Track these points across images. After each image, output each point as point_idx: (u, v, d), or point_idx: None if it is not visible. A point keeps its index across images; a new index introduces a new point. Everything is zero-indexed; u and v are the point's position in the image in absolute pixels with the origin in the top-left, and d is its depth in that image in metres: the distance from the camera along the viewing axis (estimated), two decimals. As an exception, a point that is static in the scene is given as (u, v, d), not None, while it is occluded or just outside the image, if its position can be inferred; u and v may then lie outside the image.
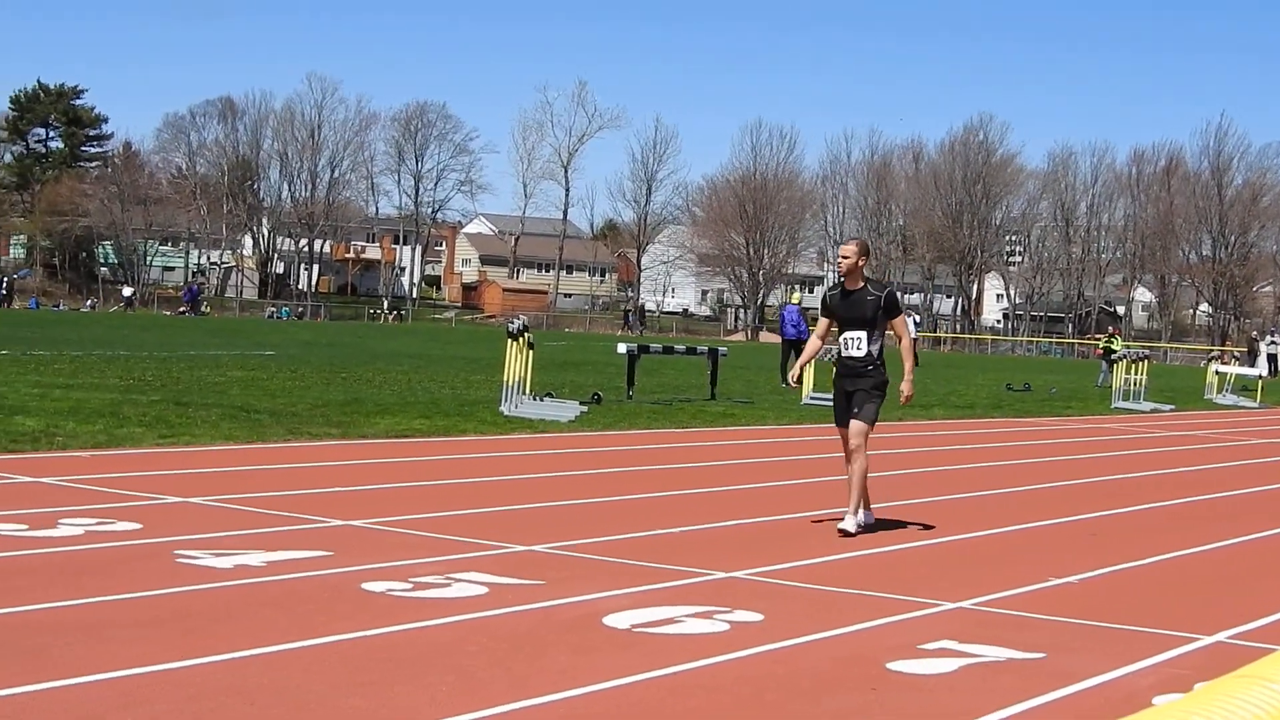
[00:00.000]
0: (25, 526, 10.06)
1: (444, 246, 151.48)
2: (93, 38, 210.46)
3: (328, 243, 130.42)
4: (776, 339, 41.30)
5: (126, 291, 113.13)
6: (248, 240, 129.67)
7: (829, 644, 7.88)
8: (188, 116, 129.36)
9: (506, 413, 21.47)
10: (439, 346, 55.27)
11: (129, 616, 7.58)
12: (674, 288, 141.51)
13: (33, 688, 6.11)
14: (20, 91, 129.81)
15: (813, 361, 11.76)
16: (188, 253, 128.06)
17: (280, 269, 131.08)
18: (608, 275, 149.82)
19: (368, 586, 8.67)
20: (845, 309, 12.12)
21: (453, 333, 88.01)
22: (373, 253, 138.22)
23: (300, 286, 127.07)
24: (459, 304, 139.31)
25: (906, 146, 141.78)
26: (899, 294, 12.36)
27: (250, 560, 9.27)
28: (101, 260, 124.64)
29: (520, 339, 21.79)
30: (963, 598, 9.31)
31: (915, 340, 13.01)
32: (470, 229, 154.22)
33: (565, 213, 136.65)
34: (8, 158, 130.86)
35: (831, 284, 12.63)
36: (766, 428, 23.13)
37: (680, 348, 34.16)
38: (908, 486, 15.42)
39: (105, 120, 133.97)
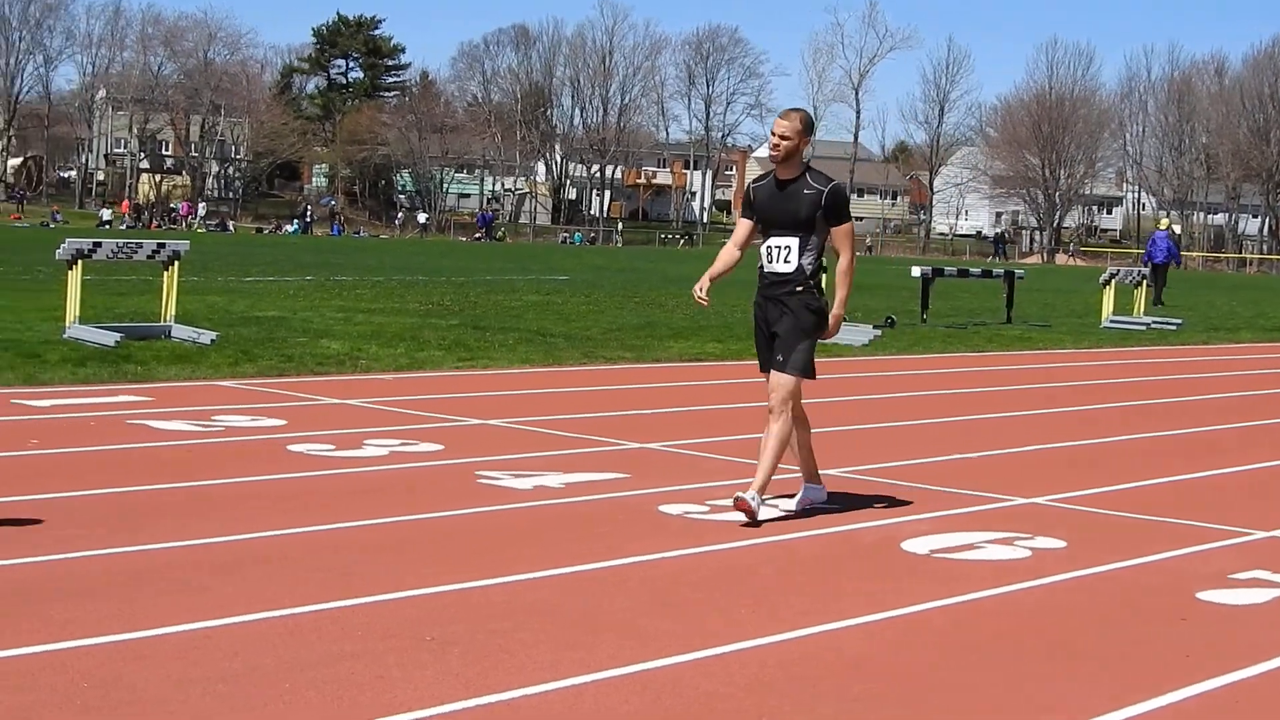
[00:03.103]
0: (333, 447, 10.33)
1: (734, 171, 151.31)
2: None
3: (619, 168, 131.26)
4: (1072, 261, 40.28)
5: (422, 218, 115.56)
6: (540, 167, 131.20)
7: (1135, 572, 7.66)
8: (482, 45, 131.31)
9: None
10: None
11: (432, 535, 7.72)
12: (967, 210, 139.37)
13: (341, 604, 6.26)
14: (322, 25, 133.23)
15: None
16: (482, 180, 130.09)
17: (572, 195, 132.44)
18: (899, 198, 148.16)
19: (664, 509, 8.70)
20: (773, 206, 8.85)
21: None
22: (663, 178, 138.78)
23: (592, 212, 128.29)
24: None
25: (1208, 61, 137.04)
26: (847, 194, 9.04)
27: (549, 482, 9.37)
28: (399, 188, 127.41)
29: (813, 262, 21.59)
30: (1277, 526, 8.97)
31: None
32: (760, 153, 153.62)
33: (856, 135, 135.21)
34: (310, 89, 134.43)
35: (759, 175, 9.35)
36: (1064, 351, 22.65)
37: (975, 271, 33.59)
38: (1227, 411, 14.94)
39: (403, 50, 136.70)
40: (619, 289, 35.06)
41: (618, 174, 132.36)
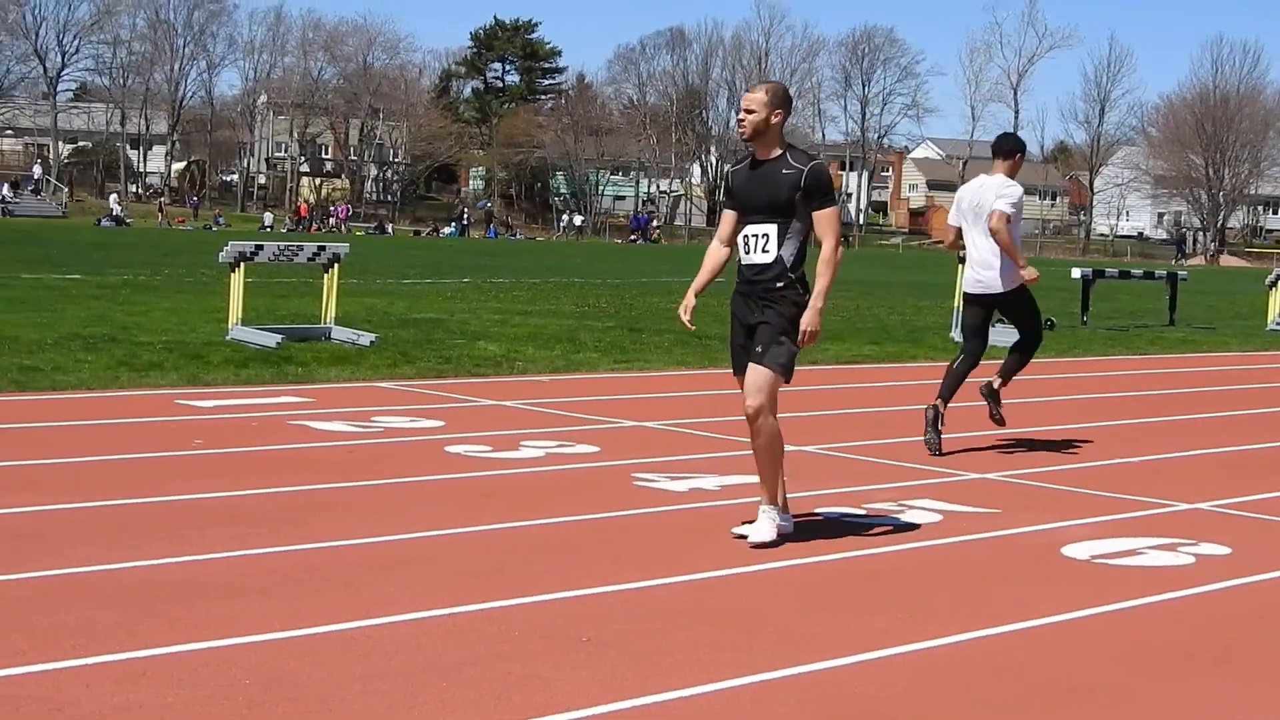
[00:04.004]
0: (490, 448, 10.40)
1: (890, 172, 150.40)
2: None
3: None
4: (1239, 262, 39.45)
5: (577, 220, 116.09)
6: (696, 169, 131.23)
7: (1303, 580, 7.49)
8: (639, 47, 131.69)
9: (957, 339, 21.14)
10: (886, 272, 55.02)
11: (588, 537, 7.75)
12: (1128, 211, 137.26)
13: (499, 604, 6.30)
14: (479, 28, 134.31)
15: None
16: (637, 182, 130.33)
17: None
18: (1058, 199, 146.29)
19: (821, 511, 8.66)
20: (749, 189, 7.89)
21: (899, 258, 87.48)
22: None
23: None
24: (905, 229, 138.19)
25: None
26: (830, 175, 7.98)
27: (704, 484, 9.37)
28: (555, 191, 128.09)
29: (970, 264, 21.38)
30: None
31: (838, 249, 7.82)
32: (917, 154, 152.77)
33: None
34: (468, 92, 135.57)
35: (739, 159, 8.22)
36: (1229, 354, 22.24)
37: (1137, 272, 33.08)
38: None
39: (559, 53, 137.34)
40: (774, 291, 34.92)
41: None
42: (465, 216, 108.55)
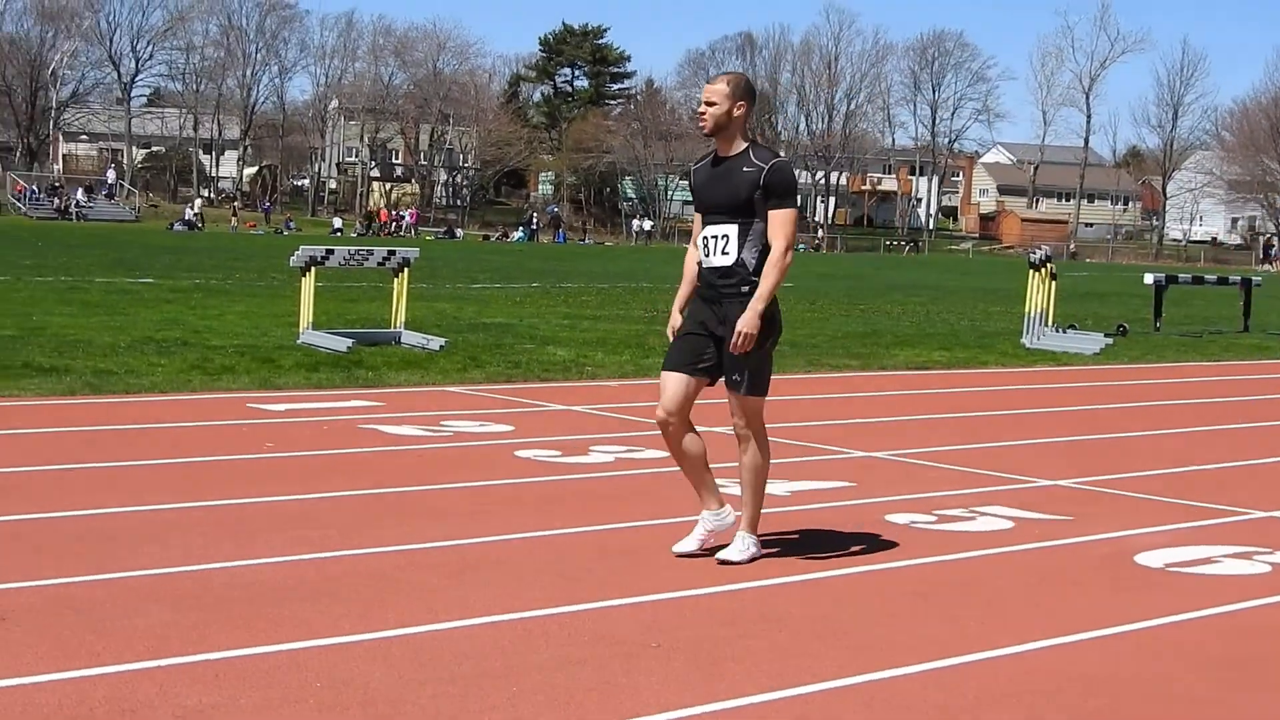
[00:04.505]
0: (559, 453, 10.41)
1: (961, 177, 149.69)
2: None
3: (844, 175, 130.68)
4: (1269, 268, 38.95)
5: (646, 225, 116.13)
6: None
7: (1382, 590, 7.39)
8: (708, 52, 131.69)
9: (1028, 345, 21.05)
10: (956, 278, 54.78)
11: (658, 542, 7.72)
12: (1201, 215, 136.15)
13: (569, 609, 6.30)
14: (548, 33, 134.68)
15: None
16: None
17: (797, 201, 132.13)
18: (1131, 204, 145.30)
19: (891, 518, 8.62)
20: (710, 187, 7.42)
21: (970, 264, 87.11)
22: (889, 184, 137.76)
23: (817, 218, 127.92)
24: (976, 234, 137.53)
25: None
26: (793, 174, 7.47)
27: (775, 489, 9.30)
28: (624, 195, 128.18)
29: (1043, 269, 21.30)
30: None
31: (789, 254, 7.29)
32: (987, 158, 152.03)
33: (1086, 140, 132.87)
34: (537, 97, 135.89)
35: (702, 155, 7.75)
36: (1305, 361, 22.00)
37: (1210, 278, 32.79)
38: None
39: (628, 58, 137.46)
40: (843, 296, 34.89)
41: (842, 180, 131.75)
42: (534, 221, 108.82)
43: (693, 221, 7.66)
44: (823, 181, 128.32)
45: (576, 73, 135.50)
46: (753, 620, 6.27)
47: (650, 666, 5.56)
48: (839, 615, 6.43)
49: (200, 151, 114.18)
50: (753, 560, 7.31)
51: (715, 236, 7.32)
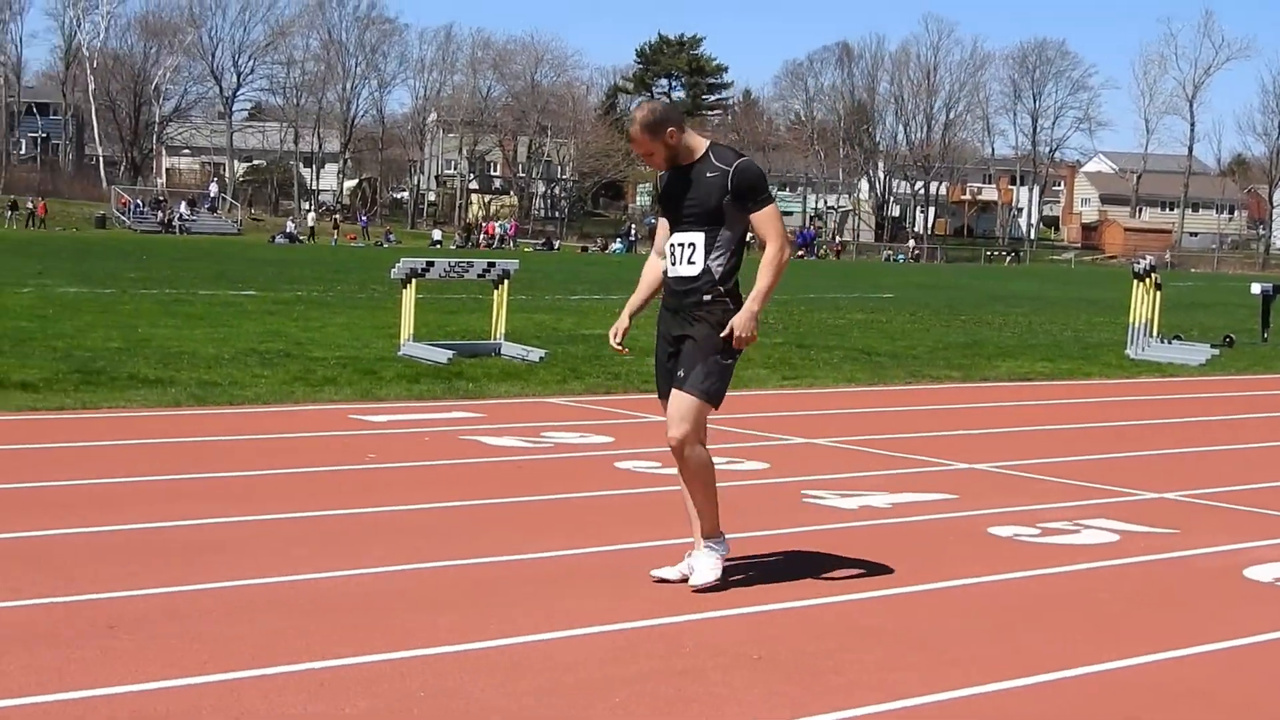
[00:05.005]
0: (659, 464, 10.40)
1: (1062, 186, 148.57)
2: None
3: (943, 184, 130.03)
4: None
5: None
6: (863, 184, 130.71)
7: None
8: (805, 62, 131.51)
9: (1132, 355, 20.83)
10: (1058, 288, 54.32)
11: (759, 554, 7.71)
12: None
13: (671, 620, 6.29)
14: (645, 44, 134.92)
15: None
16: (804, 198, 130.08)
17: (896, 212, 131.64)
18: (1236, 213, 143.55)
19: (994, 531, 8.55)
20: (675, 195, 7.04)
21: (1071, 274, 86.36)
22: (989, 194, 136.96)
23: (916, 229, 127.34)
24: (1078, 244, 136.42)
25: None
26: (760, 170, 7.02)
27: (875, 502, 9.29)
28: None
29: (1147, 279, 21.08)
30: None
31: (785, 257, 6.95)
32: (1089, 167, 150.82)
33: (1190, 148, 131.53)
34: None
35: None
36: None
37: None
38: None
39: (724, 69, 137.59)
40: (944, 307, 34.69)
41: (942, 190, 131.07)
42: (632, 233, 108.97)
43: (656, 227, 7.34)
44: (922, 191, 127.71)
45: (673, 83, 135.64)
46: (852, 633, 6.24)
47: (752, 678, 5.54)
48: (939, 629, 6.38)
49: (301, 165, 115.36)
50: (723, 563, 6.95)
51: (682, 245, 6.96)
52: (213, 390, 13.22)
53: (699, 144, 7.00)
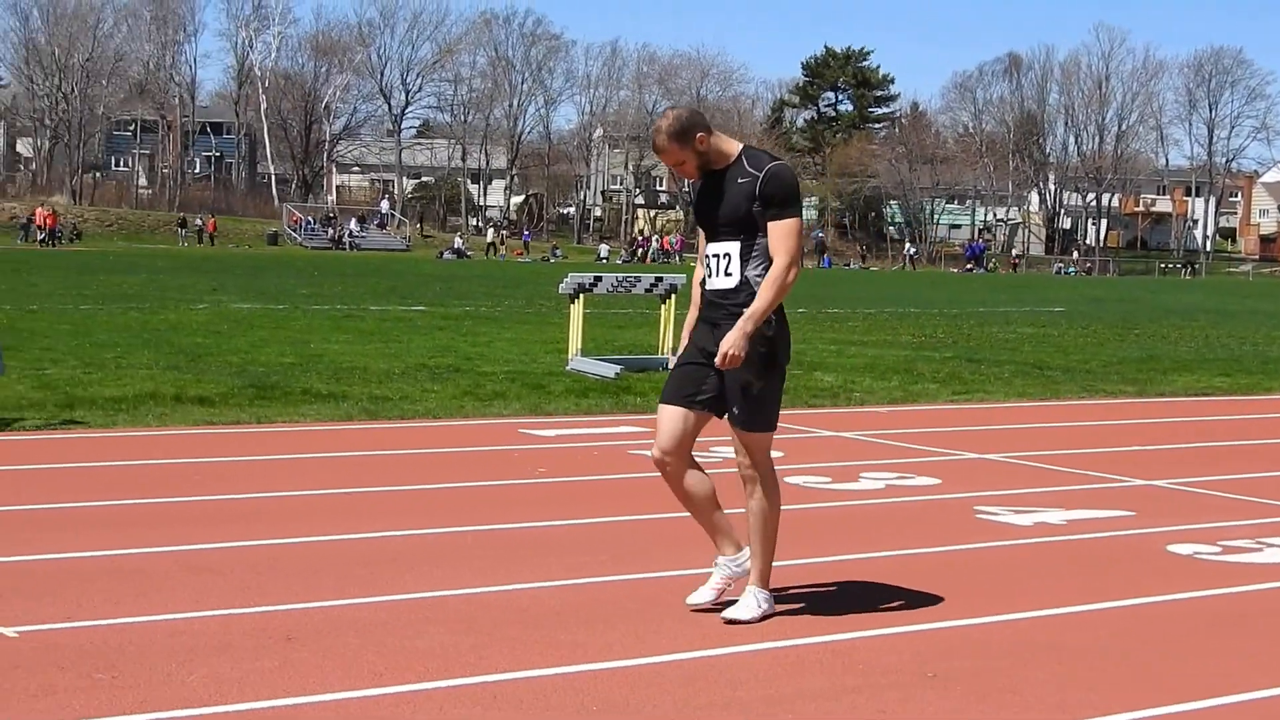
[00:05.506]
0: (829, 479, 10.34)
1: (1239, 196, 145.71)
2: (878, 1, 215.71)
3: (1116, 196, 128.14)
4: None
5: (910, 249, 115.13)
6: (1033, 196, 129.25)
7: None
8: (974, 74, 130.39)
9: (1312, 369, 20.36)
10: (1236, 301, 53.25)
11: (932, 570, 7.62)
12: None
13: (842, 636, 6.23)
14: (811, 57, 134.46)
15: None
16: (973, 210, 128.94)
17: (1067, 224, 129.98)
18: None
19: (1173, 549, 8.37)
20: (708, 204, 6.68)
21: (1249, 286, 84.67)
22: (1163, 205, 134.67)
23: (1088, 241, 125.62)
24: (1255, 256, 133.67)
25: None
26: (794, 179, 6.60)
27: (1050, 518, 9.15)
28: (889, 219, 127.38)
29: (1327, 291, 20.57)
30: None
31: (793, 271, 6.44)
32: (1268, 178, 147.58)
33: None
34: (800, 122, 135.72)
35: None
36: None
37: None
38: None
39: (892, 81, 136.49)
40: (1118, 320, 34.15)
41: (1114, 202, 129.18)
42: (818, 243, 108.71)
43: (698, 241, 6.92)
44: (1094, 203, 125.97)
45: (840, 96, 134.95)
46: (1030, 650, 6.13)
47: (927, 696, 5.47)
48: (1120, 647, 6.25)
49: (468, 181, 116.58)
50: (765, 619, 6.49)
51: (718, 255, 6.59)
52: (384, 405, 13.38)
53: (732, 148, 6.68)
